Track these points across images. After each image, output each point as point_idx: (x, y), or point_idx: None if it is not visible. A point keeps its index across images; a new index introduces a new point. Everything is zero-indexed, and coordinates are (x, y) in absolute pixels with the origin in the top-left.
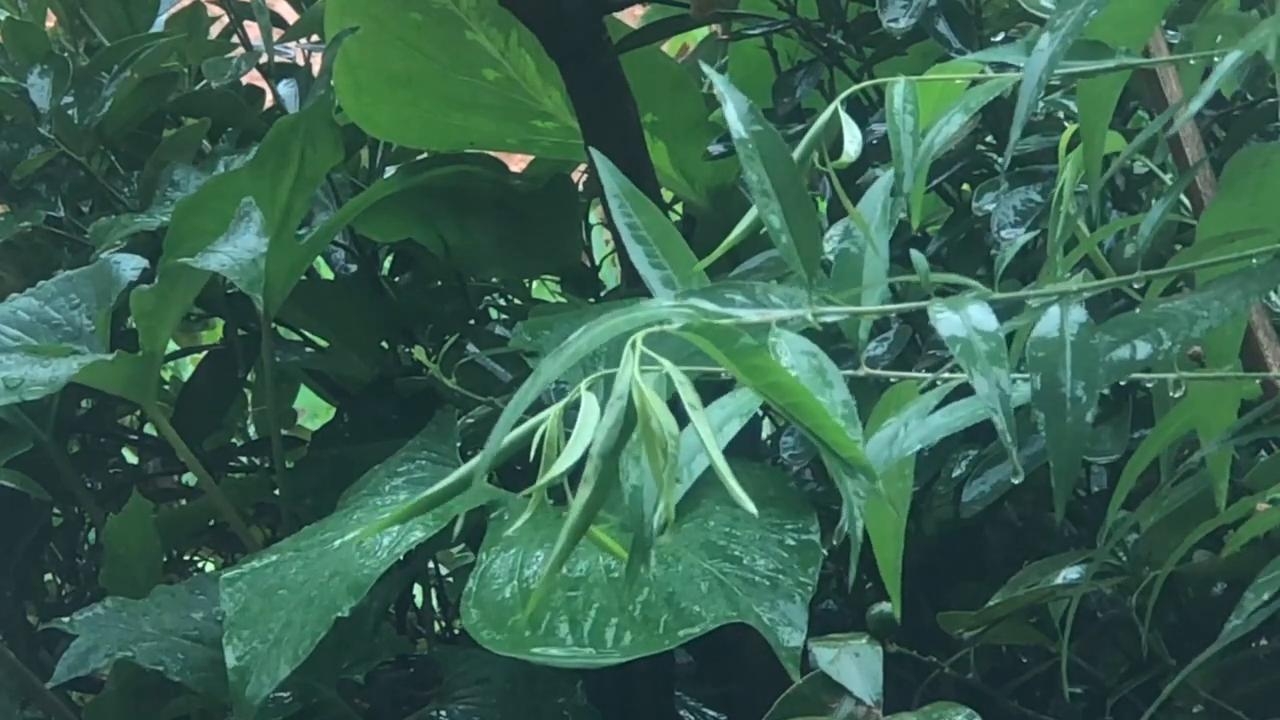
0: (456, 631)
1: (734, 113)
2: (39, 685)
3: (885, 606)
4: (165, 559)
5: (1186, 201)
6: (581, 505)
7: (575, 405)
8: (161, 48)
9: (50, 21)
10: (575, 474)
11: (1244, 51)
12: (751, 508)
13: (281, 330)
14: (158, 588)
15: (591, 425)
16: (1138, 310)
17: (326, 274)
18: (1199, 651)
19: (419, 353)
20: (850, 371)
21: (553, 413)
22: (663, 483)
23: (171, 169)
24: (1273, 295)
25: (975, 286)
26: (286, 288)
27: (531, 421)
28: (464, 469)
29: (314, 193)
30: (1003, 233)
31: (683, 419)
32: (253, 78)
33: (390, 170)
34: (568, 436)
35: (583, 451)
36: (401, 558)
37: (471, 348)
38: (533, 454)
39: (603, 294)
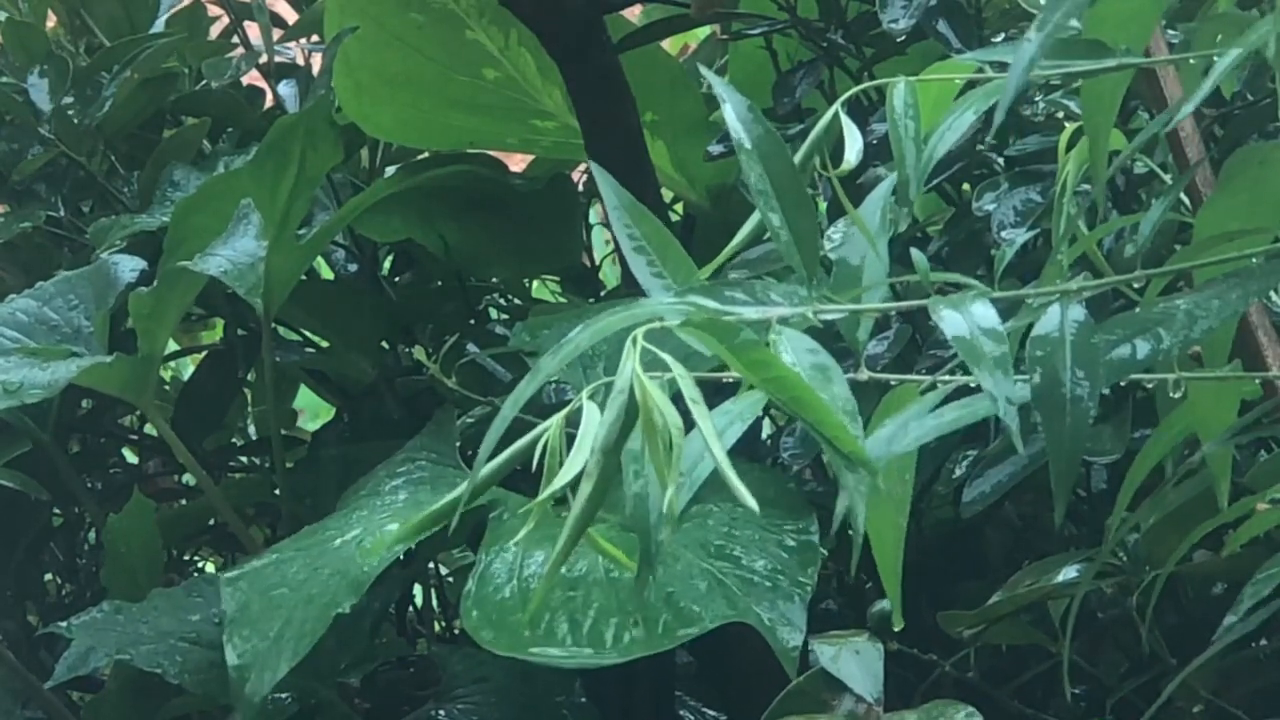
0: (456, 631)
1: (733, 114)
2: (38, 685)
3: (886, 604)
4: (165, 559)
5: (1186, 200)
6: (583, 501)
7: (578, 412)
8: (161, 48)
9: (50, 21)
10: (577, 479)
11: (1242, 50)
12: (753, 504)
13: (281, 330)
14: (154, 590)
15: (593, 435)
16: (1137, 310)
17: (326, 274)
18: (1199, 651)
19: (419, 353)
20: (851, 375)
21: (555, 421)
22: (665, 476)
23: (171, 169)
24: (1273, 295)
25: (975, 286)
26: (287, 288)
27: (534, 432)
28: (463, 487)
29: (314, 193)
30: (1003, 233)
31: (684, 422)
32: (253, 78)
33: (390, 170)
34: (570, 439)
35: (584, 462)
36: (401, 557)
37: (471, 348)
38: (535, 456)
39: (603, 294)
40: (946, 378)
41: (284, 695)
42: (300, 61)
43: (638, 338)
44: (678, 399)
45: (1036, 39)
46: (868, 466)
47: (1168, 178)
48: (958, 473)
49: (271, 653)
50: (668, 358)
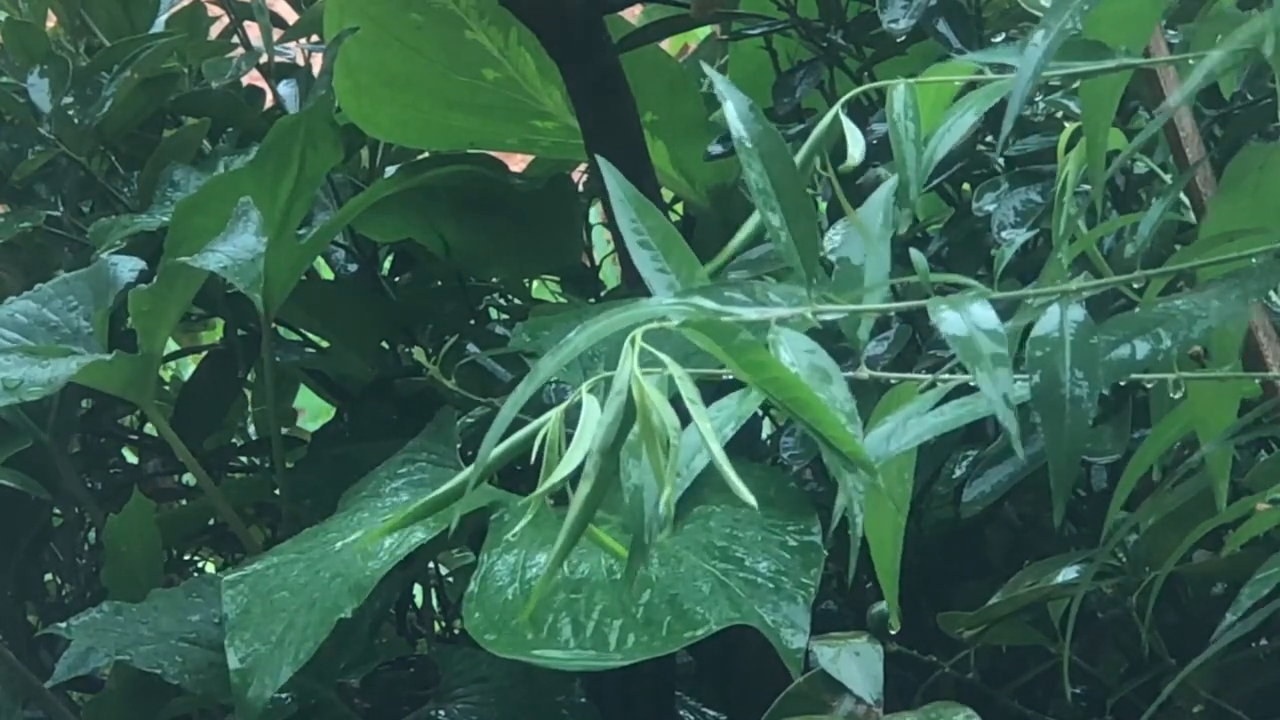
0: (456, 631)
1: (734, 112)
2: (39, 685)
3: (885, 606)
4: (165, 559)
5: (1186, 201)
6: (581, 502)
7: (577, 408)
8: (161, 48)
9: (50, 21)
10: (576, 474)
11: (1235, 46)
12: (752, 500)
13: (281, 330)
14: (154, 591)
15: (592, 428)
16: (1137, 310)
17: (326, 274)
18: (1199, 651)
19: (419, 353)
20: (851, 373)
21: (554, 415)
22: (663, 478)
23: (171, 169)
24: (1273, 295)
25: (975, 286)
26: (286, 288)
27: (533, 425)
28: (463, 474)
29: (314, 193)
30: (1003, 233)
31: (682, 419)
32: (253, 78)
33: (390, 170)
34: (569, 438)
35: (584, 455)
36: (402, 559)
37: (471, 348)
38: (534, 455)
39: (603, 294)
40: (946, 376)
41: (284, 695)
42: (300, 61)
43: (636, 339)
44: (676, 397)
45: (1042, 45)
46: (867, 467)
47: (1168, 178)
48: (958, 473)
49: (274, 657)
50: (665, 358)
